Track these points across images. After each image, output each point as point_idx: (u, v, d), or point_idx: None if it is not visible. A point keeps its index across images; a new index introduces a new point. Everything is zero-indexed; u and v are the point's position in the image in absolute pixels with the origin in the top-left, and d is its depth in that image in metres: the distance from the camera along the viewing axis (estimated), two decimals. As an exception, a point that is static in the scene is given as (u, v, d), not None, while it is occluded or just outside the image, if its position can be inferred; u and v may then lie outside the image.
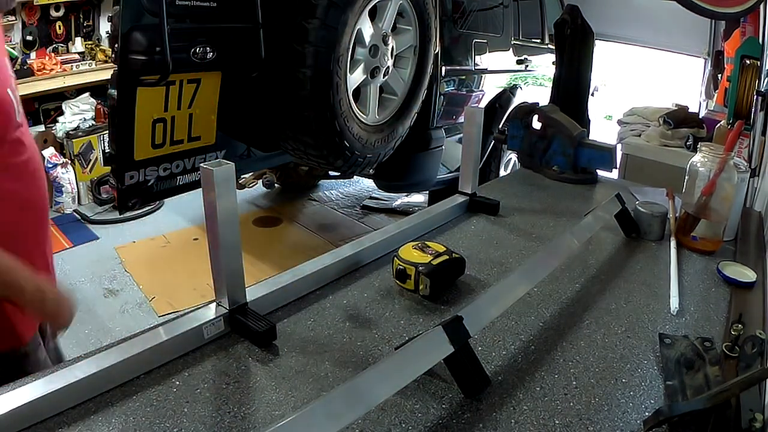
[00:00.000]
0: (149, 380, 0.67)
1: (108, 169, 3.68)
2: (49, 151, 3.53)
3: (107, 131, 3.52)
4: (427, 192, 3.72)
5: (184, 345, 0.73)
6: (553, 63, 2.34)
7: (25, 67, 3.59)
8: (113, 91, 1.58)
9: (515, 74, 3.75)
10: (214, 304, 0.78)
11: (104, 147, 3.78)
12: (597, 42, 1.84)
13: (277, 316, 0.81)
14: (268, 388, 0.67)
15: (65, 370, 0.64)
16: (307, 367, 0.71)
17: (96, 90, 3.81)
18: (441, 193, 3.18)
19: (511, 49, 3.60)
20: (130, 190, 1.72)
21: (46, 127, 3.74)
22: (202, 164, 0.69)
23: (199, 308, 0.77)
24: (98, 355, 0.67)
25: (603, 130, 3.77)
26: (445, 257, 0.92)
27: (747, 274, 0.97)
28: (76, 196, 3.72)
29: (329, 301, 0.87)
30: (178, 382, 0.67)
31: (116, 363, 0.66)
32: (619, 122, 3.37)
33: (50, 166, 3.49)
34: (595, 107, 2.12)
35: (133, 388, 0.66)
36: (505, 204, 1.27)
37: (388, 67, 2.11)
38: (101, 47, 4.03)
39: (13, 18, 3.45)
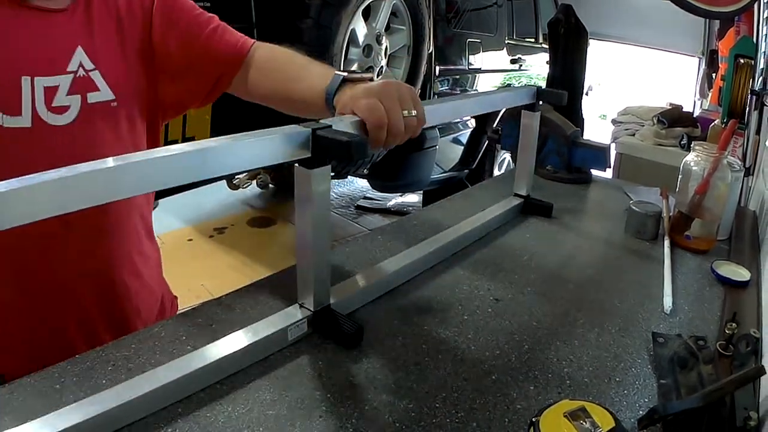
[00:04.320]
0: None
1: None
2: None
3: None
4: (422, 192, 3.72)
5: (267, 347, 0.71)
6: (546, 62, 2.34)
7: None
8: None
9: (509, 74, 3.76)
10: (297, 305, 0.76)
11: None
12: (591, 41, 1.84)
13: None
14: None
15: (147, 374, 0.62)
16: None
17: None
18: (435, 192, 3.18)
19: (504, 48, 3.60)
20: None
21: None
22: (296, 165, 0.65)
23: (282, 310, 0.76)
24: (182, 358, 0.65)
25: (597, 129, 3.78)
26: None
27: (741, 273, 0.97)
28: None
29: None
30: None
31: (200, 368, 0.64)
32: (614, 121, 3.38)
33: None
34: (589, 106, 2.12)
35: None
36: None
37: (382, 66, 2.11)
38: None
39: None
